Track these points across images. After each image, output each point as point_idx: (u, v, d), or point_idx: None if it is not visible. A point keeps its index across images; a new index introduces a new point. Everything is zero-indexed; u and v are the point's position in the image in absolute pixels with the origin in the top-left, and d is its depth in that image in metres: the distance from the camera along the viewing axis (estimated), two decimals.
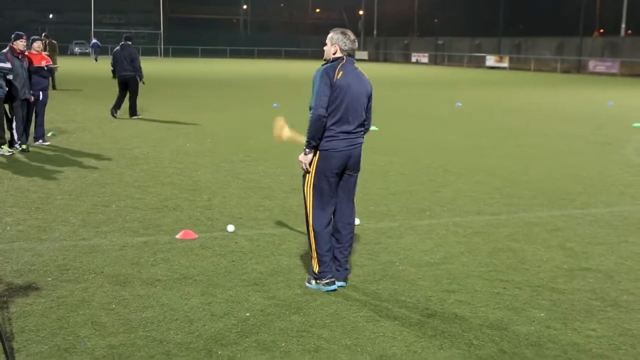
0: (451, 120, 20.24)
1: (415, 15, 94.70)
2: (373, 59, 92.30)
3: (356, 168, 6.15)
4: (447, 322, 5.41)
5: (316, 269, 6.05)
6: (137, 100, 19.38)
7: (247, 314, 5.46)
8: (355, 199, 6.29)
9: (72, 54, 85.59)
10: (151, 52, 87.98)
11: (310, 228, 6.06)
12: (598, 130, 18.46)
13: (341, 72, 5.89)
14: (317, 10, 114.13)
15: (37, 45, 13.55)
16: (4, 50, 12.76)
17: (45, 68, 13.64)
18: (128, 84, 19.21)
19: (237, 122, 18.37)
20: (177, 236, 7.55)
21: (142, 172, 11.27)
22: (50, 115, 14.10)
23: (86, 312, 5.44)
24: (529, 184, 11.04)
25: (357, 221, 8.21)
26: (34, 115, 13.70)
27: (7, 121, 12.88)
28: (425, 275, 6.50)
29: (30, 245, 7.17)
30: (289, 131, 6.57)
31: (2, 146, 12.56)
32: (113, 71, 19.51)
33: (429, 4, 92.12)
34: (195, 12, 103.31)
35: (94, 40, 68.68)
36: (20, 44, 12.84)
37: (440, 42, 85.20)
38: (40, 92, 13.63)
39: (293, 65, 67.77)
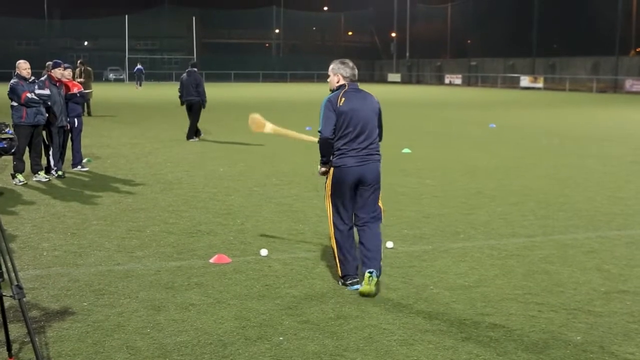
0: (485, 142, 20.18)
1: (448, 36, 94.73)
2: (406, 81, 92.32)
3: (373, 182, 6.61)
4: (481, 346, 5.39)
5: (340, 272, 6.69)
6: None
7: (281, 338, 5.50)
8: (382, 212, 6.76)
9: (107, 80, 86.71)
10: None
11: (332, 233, 6.72)
12: (635, 151, 18.28)
13: (343, 99, 6.53)
14: (349, 33, 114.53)
15: (68, 72, 13.80)
16: (42, 78, 13.04)
17: (78, 94, 13.90)
18: (192, 107, 20.04)
19: (269, 146, 18.49)
20: (211, 260, 7.62)
21: (176, 197, 11.40)
22: (86, 141, 14.36)
23: (121, 336, 5.51)
24: (564, 205, 10.96)
25: (390, 244, 8.26)
26: (69, 142, 13.98)
27: (44, 148, 13.15)
28: (459, 299, 6.48)
29: (66, 270, 7.28)
30: (271, 125, 7.67)
31: (39, 173, 12.79)
32: (180, 97, 20.38)
33: (461, 25, 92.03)
34: (228, 37, 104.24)
35: (138, 66, 68.10)
36: (57, 72, 13.11)
37: (473, 63, 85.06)
38: (75, 119, 13.88)
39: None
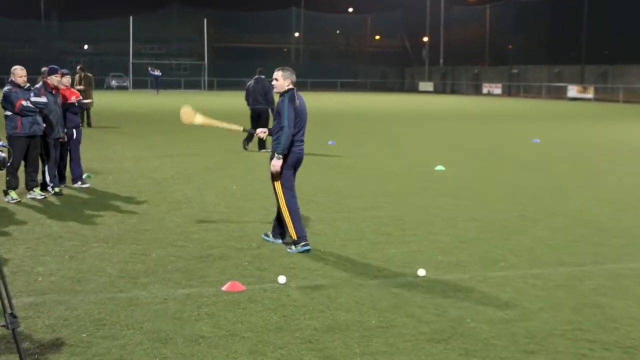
0: (528, 159, 20.12)
1: (487, 41, 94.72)
2: (439, 90, 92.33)
3: (301, 164, 9.58)
4: None
5: (294, 235, 9.23)
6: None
7: None
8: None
9: (109, 87, 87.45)
10: (194, 85, 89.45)
11: (285, 206, 9.31)
12: None
13: (298, 100, 9.32)
14: (377, 37, 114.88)
15: (66, 80, 13.92)
16: (38, 85, 13.14)
17: (76, 104, 14.01)
18: (261, 116, 21.15)
19: None
20: (223, 288, 7.64)
21: (185, 217, 11.45)
22: (86, 155, 14.46)
23: None
24: (618, 230, 10.90)
25: (422, 272, 8.25)
26: (68, 155, 14.08)
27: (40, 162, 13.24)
28: (500, 334, 6.45)
29: (63, 297, 7.33)
30: (202, 117, 10.16)
31: (35, 189, 12.87)
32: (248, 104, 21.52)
33: (501, 28, 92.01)
34: (243, 41, 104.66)
35: (157, 72, 69.08)
36: (54, 79, 13.20)
37: (514, 71, 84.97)
38: (73, 130, 14.02)
39: (350, 98, 68.20)
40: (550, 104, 61.15)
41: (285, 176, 9.37)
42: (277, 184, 9.40)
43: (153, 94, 66.83)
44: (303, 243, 9.25)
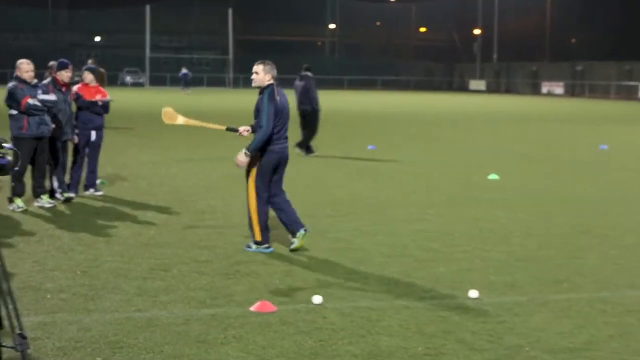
0: (593, 167, 19.99)
1: (547, 34, 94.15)
2: (492, 89, 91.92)
3: (287, 162, 10.18)
4: None
5: (260, 237, 9.97)
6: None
7: None
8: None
9: (123, 84, 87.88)
10: (218, 82, 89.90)
11: (254, 206, 9.92)
12: None
13: (278, 96, 9.84)
14: (422, 29, 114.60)
15: (90, 77, 13.98)
16: (45, 81, 13.22)
17: (100, 103, 14.00)
18: (305, 117, 21.55)
19: (321, 168, 18.55)
20: (252, 308, 7.66)
21: (209, 229, 11.51)
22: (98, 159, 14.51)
23: None
24: None
25: (474, 294, 8.23)
26: (85, 160, 14.08)
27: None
28: None
29: (75, 317, 7.38)
30: (183, 118, 10.92)
31: (43, 196, 12.95)
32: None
33: (563, 20, 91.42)
34: (272, 34, 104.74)
35: (184, 71, 71.02)
36: (64, 75, 13.27)
37: (578, 68, 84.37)
38: (93, 132, 13.97)
39: (392, 97, 68.08)
40: (620, 105, 60.63)
41: (262, 177, 9.92)
42: (251, 182, 9.96)
43: (184, 93, 67.36)
44: (266, 245, 10.03)
